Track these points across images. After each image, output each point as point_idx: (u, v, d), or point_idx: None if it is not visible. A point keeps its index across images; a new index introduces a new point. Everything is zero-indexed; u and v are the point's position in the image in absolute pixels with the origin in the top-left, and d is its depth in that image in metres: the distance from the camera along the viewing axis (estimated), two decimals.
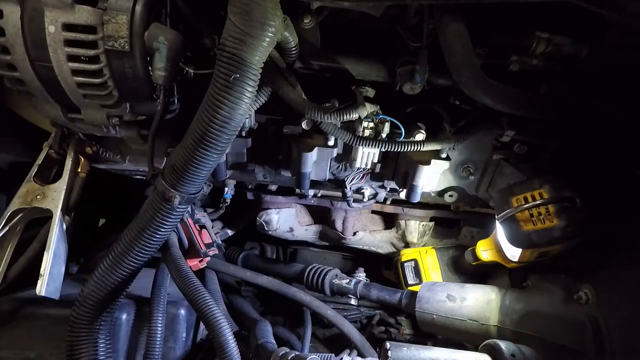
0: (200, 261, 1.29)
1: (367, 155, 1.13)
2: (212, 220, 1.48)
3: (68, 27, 0.79)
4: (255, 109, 0.99)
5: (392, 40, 1.00)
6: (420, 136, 1.09)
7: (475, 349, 0.95)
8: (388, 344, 0.86)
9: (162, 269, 1.13)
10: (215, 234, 1.43)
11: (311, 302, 1.30)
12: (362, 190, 1.30)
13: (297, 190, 1.44)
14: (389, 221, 1.57)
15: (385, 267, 1.70)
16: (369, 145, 1.02)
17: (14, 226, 1.06)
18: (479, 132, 1.11)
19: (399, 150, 1.04)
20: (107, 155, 1.18)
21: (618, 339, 0.84)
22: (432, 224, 1.50)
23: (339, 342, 1.39)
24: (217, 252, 1.35)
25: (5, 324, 0.98)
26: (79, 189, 1.13)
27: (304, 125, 1.07)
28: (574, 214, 0.90)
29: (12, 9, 0.78)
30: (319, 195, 1.43)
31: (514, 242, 0.98)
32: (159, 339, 1.00)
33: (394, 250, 1.56)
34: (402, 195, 1.28)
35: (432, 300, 1.19)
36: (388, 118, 1.05)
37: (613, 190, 1.02)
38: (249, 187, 1.45)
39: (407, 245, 1.52)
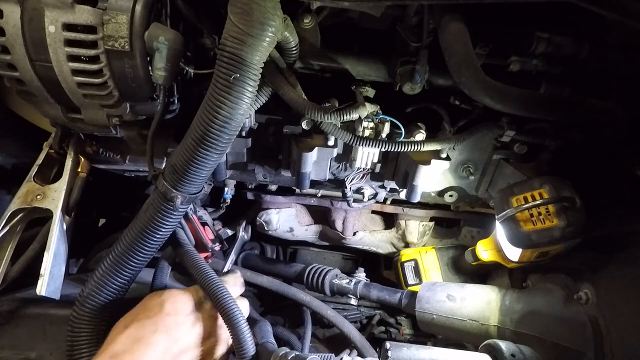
0: (205, 257, 1.29)
1: (367, 155, 1.13)
2: (212, 220, 1.48)
3: (68, 27, 0.79)
4: (256, 109, 0.99)
5: (392, 40, 1.00)
6: (420, 136, 1.09)
7: (475, 349, 0.95)
8: (388, 344, 0.86)
9: (160, 268, 1.13)
10: (217, 231, 1.44)
11: (311, 302, 1.30)
12: (362, 190, 1.30)
13: (297, 190, 1.44)
14: (389, 221, 1.57)
15: (385, 267, 1.70)
16: (369, 145, 1.02)
17: (14, 226, 1.06)
18: (479, 132, 1.11)
19: (399, 150, 1.04)
20: (107, 155, 1.18)
21: (618, 339, 0.84)
22: (432, 224, 1.50)
23: (339, 342, 1.39)
24: (221, 248, 1.35)
25: (5, 324, 0.98)
26: (79, 189, 1.12)
27: (304, 125, 1.07)
28: (574, 214, 0.90)
29: (12, 9, 0.78)
30: (319, 195, 1.44)
31: (514, 242, 0.98)
32: None
33: (394, 250, 1.56)
34: (402, 195, 1.28)
35: (432, 300, 1.18)
36: (388, 118, 1.05)
37: (613, 190, 1.02)
38: (249, 187, 1.45)
39: (407, 245, 1.52)
